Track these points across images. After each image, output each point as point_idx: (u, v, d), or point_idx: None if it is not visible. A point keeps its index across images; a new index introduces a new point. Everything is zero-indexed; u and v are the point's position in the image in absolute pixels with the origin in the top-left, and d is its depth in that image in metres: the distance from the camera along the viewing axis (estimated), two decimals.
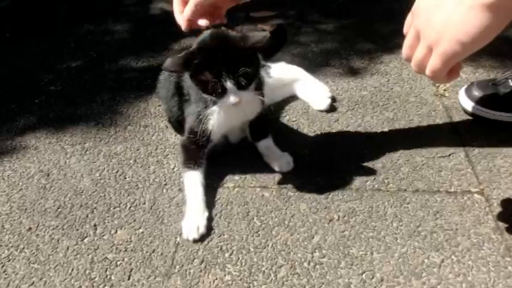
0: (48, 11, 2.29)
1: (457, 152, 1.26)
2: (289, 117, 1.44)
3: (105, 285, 0.97)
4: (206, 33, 1.08)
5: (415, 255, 1.00)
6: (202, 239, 1.06)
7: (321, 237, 1.05)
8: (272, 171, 1.23)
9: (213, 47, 1.04)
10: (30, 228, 1.12)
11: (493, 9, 0.64)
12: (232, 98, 1.03)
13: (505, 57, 1.63)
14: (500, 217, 1.07)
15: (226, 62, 1.01)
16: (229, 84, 1.02)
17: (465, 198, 1.12)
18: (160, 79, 1.36)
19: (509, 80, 1.31)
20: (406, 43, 0.77)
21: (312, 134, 1.37)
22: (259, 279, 0.97)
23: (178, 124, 1.30)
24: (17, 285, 0.99)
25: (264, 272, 0.98)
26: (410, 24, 0.76)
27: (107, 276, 0.99)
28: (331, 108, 1.45)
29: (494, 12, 0.64)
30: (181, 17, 1.12)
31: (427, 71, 0.74)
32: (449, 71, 0.74)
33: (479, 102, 1.33)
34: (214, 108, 1.11)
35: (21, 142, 1.40)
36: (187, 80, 1.16)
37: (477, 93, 1.34)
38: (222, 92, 1.03)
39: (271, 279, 0.97)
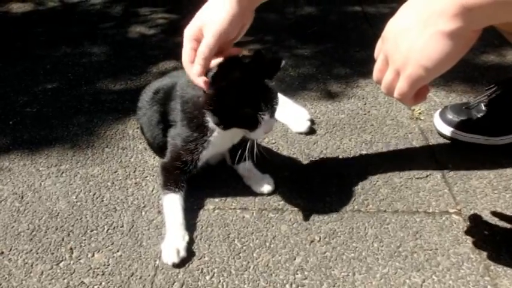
0: (23, 33, 2.27)
1: (434, 173, 1.29)
2: (268, 139, 1.45)
3: None
4: (224, 66, 1.02)
5: (396, 276, 1.00)
6: (183, 263, 1.03)
7: (303, 259, 1.05)
8: (252, 193, 1.23)
9: (243, 80, 1.03)
10: (2, 253, 1.07)
11: (453, 37, 0.68)
12: (267, 128, 1.06)
13: (475, 82, 1.69)
14: (478, 237, 1.09)
15: (262, 95, 1.03)
16: (267, 117, 1.03)
17: (443, 218, 1.14)
18: (140, 106, 1.34)
19: (482, 104, 1.36)
20: (376, 67, 0.81)
21: (291, 156, 1.37)
22: None
23: (160, 148, 1.29)
24: None
25: None
26: (380, 49, 0.79)
27: None
28: (311, 131, 1.47)
29: (454, 40, 0.68)
30: (193, 67, 1.02)
31: (395, 94, 0.77)
32: (416, 94, 0.77)
33: (454, 125, 1.37)
34: (216, 135, 1.12)
35: None
36: (177, 108, 1.17)
37: (451, 116, 1.38)
38: (256, 123, 1.04)
39: None
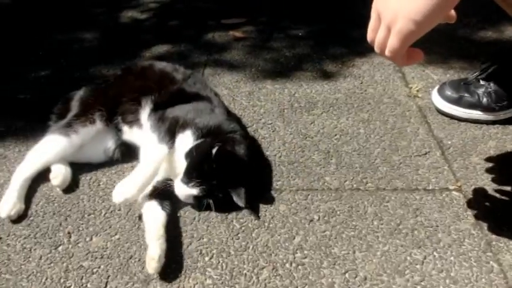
0: (14, 19, 2.23)
1: (433, 150, 1.28)
2: (264, 119, 1.43)
3: None
4: None
5: (397, 253, 1.00)
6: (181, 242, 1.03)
7: (302, 238, 1.04)
8: None
9: None
10: (0, 238, 1.06)
11: None
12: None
13: (473, 59, 1.68)
14: (479, 213, 1.08)
15: None
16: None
17: (443, 195, 1.14)
18: None
19: (480, 79, 1.34)
20: (370, 26, 0.79)
21: (288, 136, 1.36)
22: (241, 282, 0.94)
23: None
24: None
25: (245, 274, 0.96)
26: (374, 8, 0.77)
27: (82, 285, 0.95)
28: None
29: None
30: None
31: (387, 51, 0.75)
32: (408, 55, 0.75)
33: (452, 101, 1.36)
34: None
35: None
36: None
37: (449, 92, 1.36)
38: None
39: (253, 282, 0.94)
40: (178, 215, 1.11)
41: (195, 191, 1.06)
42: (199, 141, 1.12)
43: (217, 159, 1.05)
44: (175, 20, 2.14)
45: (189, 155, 1.09)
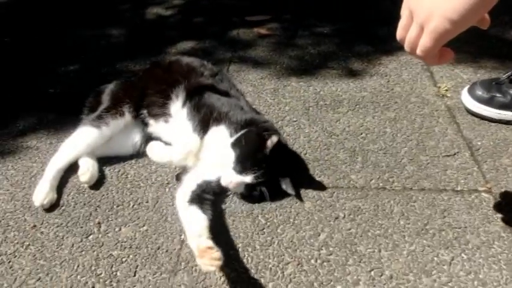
0: (44, 15, 2.28)
1: (462, 151, 1.26)
2: (289, 117, 1.43)
3: (111, 281, 0.95)
4: None
5: (424, 253, 0.99)
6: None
7: (327, 235, 1.04)
8: None
9: None
10: (34, 226, 1.10)
11: None
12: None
13: (505, 58, 1.64)
14: (510, 215, 1.06)
15: None
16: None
17: (472, 196, 1.12)
18: None
19: None
20: (401, 24, 0.77)
21: (313, 134, 1.36)
22: (266, 276, 0.95)
23: None
24: (24, 281, 0.97)
25: (270, 269, 0.97)
26: (406, 6, 0.76)
27: (112, 273, 0.97)
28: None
29: None
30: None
31: (418, 50, 0.74)
32: (440, 55, 0.74)
33: (483, 101, 1.33)
34: None
35: (23, 143, 1.38)
36: None
37: (480, 92, 1.34)
38: None
39: (278, 276, 0.95)
40: None
41: (248, 179, 1.08)
42: (243, 131, 1.14)
43: (271, 147, 1.07)
44: (200, 16, 2.16)
45: (238, 144, 1.11)
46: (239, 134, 1.13)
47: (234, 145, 1.11)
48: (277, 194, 1.12)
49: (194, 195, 1.08)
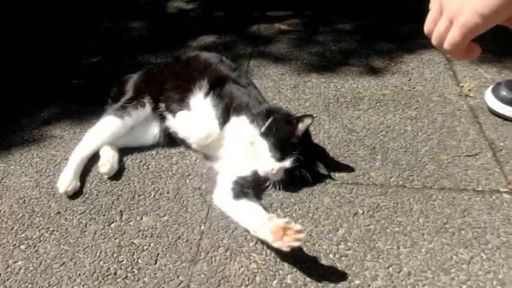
0: (67, 8, 2.32)
1: (484, 151, 1.25)
2: (309, 113, 1.43)
3: (132, 268, 0.97)
4: None
5: (443, 251, 0.98)
6: (227, 227, 1.06)
7: (346, 231, 1.04)
8: None
9: None
10: (59, 212, 1.13)
11: None
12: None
13: None
14: None
15: None
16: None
17: (493, 197, 1.11)
18: None
19: None
20: (429, 17, 0.77)
21: (333, 130, 1.36)
22: (285, 268, 0.96)
23: None
24: (49, 265, 1.00)
25: (289, 261, 0.97)
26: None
27: (134, 260, 0.99)
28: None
29: None
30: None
31: (446, 44, 0.73)
32: (468, 49, 0.74)
33: (508, 102, 1.31)
34: None
35: (47, 132, 1.41)
36: None
37: (505, 92, 1.32)
38: None
39: (297, 269, 0.96)
40: None
41: (288, 164, 1.11)
42: (269, 119, 1.16)
43: (304, 129, 1.13)
44: (221, 11, 2.17)
45: (269, 132, 1.13)
46: (267, 122, 1.15)
47: (266, 134, 1.13)
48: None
49: (237, 191, 1.09)
